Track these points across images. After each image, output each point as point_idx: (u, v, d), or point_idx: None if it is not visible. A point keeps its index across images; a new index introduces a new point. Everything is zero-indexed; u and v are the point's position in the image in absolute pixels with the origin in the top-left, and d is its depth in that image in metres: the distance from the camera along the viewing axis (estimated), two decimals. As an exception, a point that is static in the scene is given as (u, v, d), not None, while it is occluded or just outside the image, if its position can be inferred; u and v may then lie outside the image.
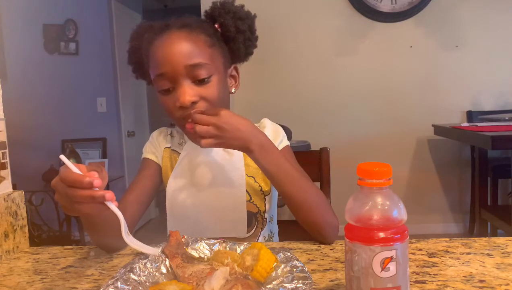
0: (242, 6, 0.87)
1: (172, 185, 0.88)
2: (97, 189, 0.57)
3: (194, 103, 0.79)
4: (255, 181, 0.89)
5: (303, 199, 0.77)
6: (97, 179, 0.56)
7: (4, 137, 0.86)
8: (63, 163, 0.58)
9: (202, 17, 0.89)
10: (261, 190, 0.89)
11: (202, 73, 0.79)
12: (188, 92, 0.78)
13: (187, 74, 0.79)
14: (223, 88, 0.85)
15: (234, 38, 0.86)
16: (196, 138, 0.74)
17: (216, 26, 0.86)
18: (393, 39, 3.00)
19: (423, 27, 2.97)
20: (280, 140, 0.91)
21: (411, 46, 2.99)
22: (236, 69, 0.91)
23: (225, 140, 0.73)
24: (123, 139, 3.64)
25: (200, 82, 0.80)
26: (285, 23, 3.05)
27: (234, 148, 0.76)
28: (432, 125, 2.84)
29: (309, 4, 3.03)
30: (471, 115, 2.96)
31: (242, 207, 0.86)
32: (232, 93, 0.90)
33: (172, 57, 0.78)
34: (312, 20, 3.04)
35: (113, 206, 0.59)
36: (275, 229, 0.98)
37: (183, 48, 0.79)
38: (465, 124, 2.61)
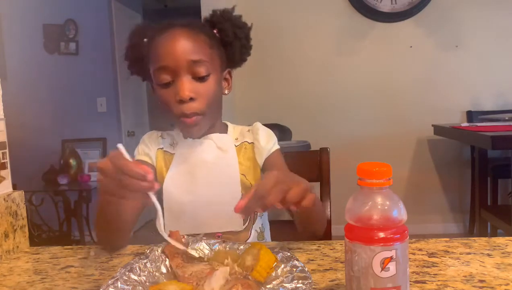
0: (240, 16, 0.91)
1: (169, 183, 0.89)
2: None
3: (192, 99, 0.81)
4: (246, 179, 0.91)
5: (315, 222, 0.83)
6: (150, 174, 0.57)
7: (4, 137, 0.86)
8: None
9: (202, 21, 0.92)
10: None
11: (202, 71, 0.82)
12: (188, 87, 0.80)
13: (188, 69, 0.81)
14: (218, 88, 0.88)
15: (232, 43, 0.89)
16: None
17: (215, 31, 0.89)
18: (393, 39, 3.00)
19: (423, 27, 2.97)
20: (273, 143, 0.93)
21: (411, 46, 2.99)
22: (229, 73, 0.94)
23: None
24: (123, 139, 3.63)
25: (199, 79, 0.82)
26: (285, 23, 3.05)
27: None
28: (432, 125, 2.83)
29: (309, 4, 3.03)
30: (471, 115, 2.96)
31: (238, 201, 0.87)
32: (225, 94, 0.93)
33: (175, 51, 0.81)
34: (312, 20, 3.04)
35: (154, 198, 0.60)
36: (266, 224, 1.00)
37: (186, 44, 0.81)
38: (465, 124, 2.61)
